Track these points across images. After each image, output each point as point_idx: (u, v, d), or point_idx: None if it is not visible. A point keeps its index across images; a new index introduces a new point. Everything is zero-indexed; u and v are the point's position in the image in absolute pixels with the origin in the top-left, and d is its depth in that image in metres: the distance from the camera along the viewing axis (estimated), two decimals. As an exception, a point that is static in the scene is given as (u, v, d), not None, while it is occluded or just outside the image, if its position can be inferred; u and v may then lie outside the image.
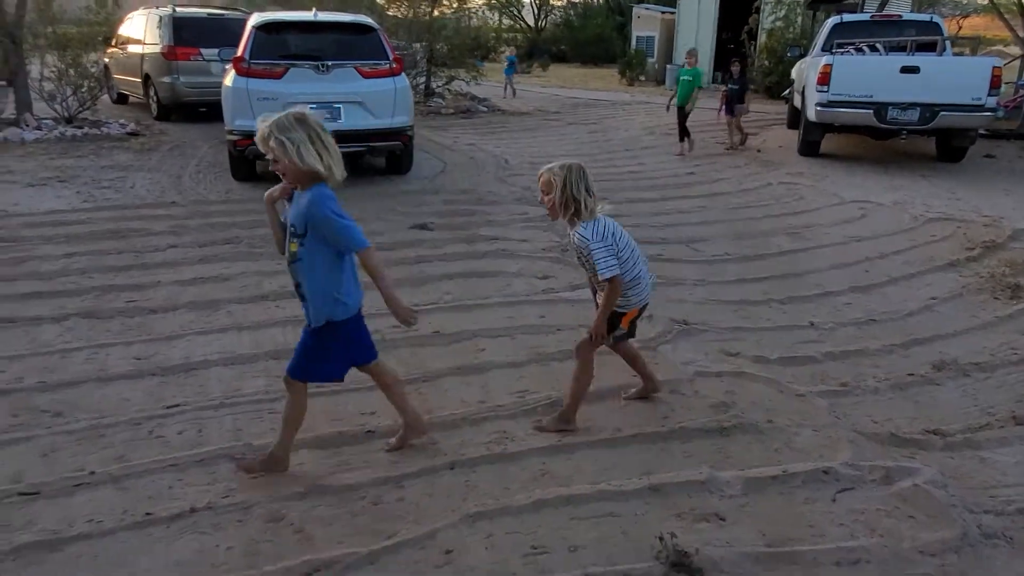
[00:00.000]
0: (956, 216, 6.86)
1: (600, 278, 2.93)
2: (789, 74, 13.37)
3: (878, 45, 10.20)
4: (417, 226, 6.37)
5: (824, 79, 9.15)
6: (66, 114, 11.09)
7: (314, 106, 7.27)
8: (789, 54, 14.94)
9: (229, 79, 7.63)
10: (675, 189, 8.40)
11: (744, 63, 12.52)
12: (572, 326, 4.29)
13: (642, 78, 24.43)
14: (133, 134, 10.82)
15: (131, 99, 13.99)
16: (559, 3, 41.36)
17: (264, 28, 7.71)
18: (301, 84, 7.44)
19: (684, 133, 10.64)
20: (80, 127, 10.77)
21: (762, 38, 20.12)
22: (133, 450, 2.91)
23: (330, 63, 7.58)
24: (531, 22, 42.31)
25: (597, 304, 3.15)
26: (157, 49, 12.06)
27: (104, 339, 3.99)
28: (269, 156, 2.52)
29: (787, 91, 13.20)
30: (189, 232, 6.09)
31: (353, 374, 2.83)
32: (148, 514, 2.52)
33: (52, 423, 3.10)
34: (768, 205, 7.66)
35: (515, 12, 41.80)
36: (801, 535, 2.48)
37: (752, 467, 2.87)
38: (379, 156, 8.52)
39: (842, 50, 9.84)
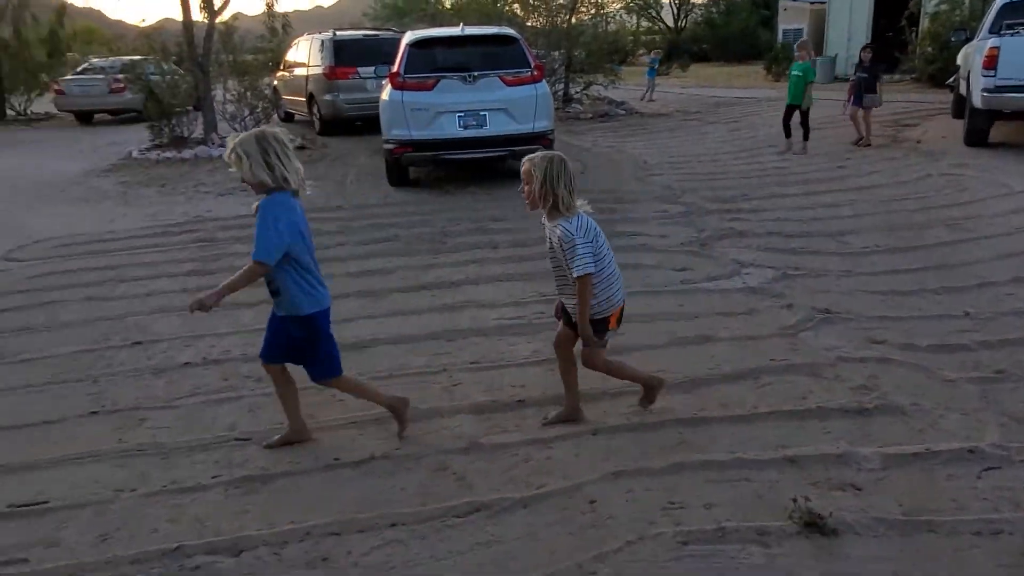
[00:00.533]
0: None
1: (574, 274, 2.90)
2: (954, 61, 12.49)
3: (1053, 24, 9.37)
4: (559, 223, 6.67)
5: (991, 63, 8.58)
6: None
7: (462, 114, 7.92)
8: (953, 39, 13.94)
9: (386, 93, 8.33)
10: (821, 184, 8.18)
11: (891, 50, 11.74)
12: (709, 313, 4.42)
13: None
14: (300, 147, 11.93)
15: (296, 117, 15.38)
16: (700, 1, 40.55)
17: (417, 45, 8.35)
18: (450, 94, 8.00)
19: (790, 131, 10.13)
20: (257, 143, 12.03)
21: (924, 23, 18.82)
22: (320, 410, 3.38)
23: (476, 73, 8.07)
24: (670, 23, 41.74)
25: (563, 305, 3.16)
26: (320, 70, 13.19)
27: (290, 321, 4.59)
28: (232, 169, 2.84)
29: (952, 78, 12.34)
30: (354, 232, 6.74)
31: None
32: (336, 459, 2.98)
33: (255, 387, 3.67)
34: (926, 197, 7.31)
35: (654, 14, 41.37)
36: (941, 507, 2.51)
37: (893, 444, 2.90)
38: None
39: (1011, 31, 9.13)
